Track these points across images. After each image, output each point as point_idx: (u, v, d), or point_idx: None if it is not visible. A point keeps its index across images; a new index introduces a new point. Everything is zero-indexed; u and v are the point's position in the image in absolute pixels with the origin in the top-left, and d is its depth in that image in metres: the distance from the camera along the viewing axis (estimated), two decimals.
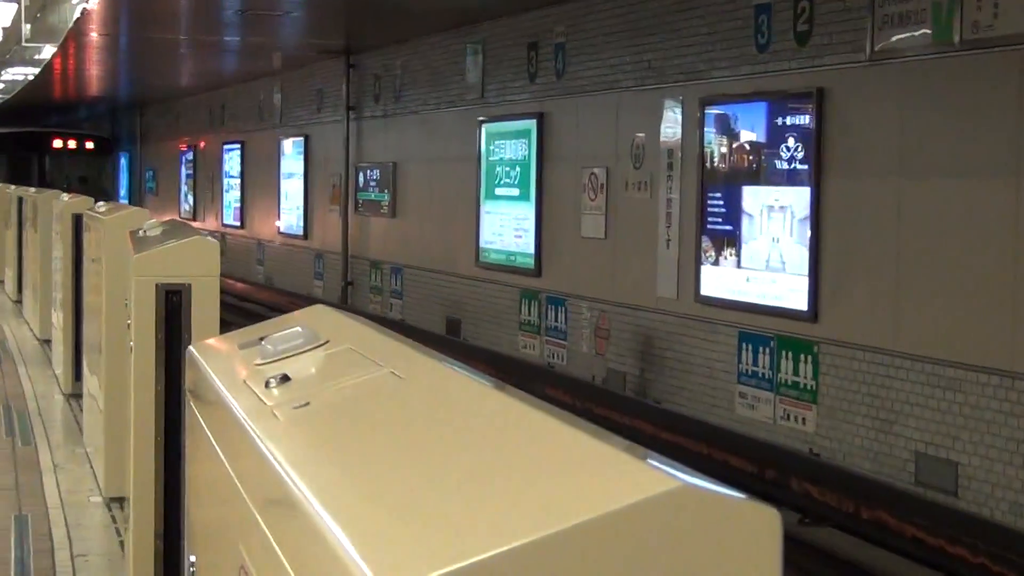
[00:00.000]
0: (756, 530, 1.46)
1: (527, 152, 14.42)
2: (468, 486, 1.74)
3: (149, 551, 4.55)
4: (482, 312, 15.59)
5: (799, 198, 10.07)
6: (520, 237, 14.56)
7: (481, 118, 15.52)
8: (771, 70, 10.41)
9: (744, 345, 10.70)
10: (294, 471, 1.95)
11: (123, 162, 43.01)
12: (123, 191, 42.34)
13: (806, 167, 9.96)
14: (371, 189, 19.15)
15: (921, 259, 8.93)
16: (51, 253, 13.41)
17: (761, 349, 10.49)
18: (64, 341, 11.49)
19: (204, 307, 4.58)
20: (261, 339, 3.04)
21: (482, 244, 15.44)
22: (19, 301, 17.71)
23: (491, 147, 15.33)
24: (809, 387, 9.98)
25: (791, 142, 10.14)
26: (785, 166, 10.21)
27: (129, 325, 5.21)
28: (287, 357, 2.76)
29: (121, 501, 7.56)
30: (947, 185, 8.74)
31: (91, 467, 8.43)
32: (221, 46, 21.35)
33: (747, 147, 10.70)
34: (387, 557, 1.54)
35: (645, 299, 12.10)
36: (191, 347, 3.36)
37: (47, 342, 13.71)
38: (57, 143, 39.49)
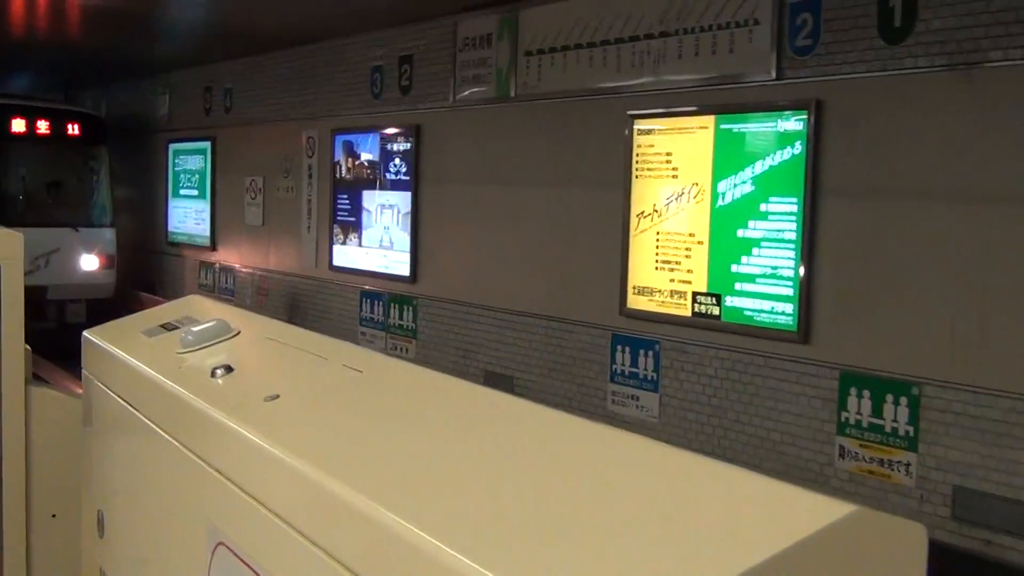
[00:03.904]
0: (910, 544, 1.20)
1: (204, 164, 13.74)
2: (619, 519, 1.24)
3: None
4: (173, 276, 14.84)
5: (403, 199, 9.92)
6: (199, 224, 13.90)
7: (169, 140, 14.69)
8: (383, 111, 10.19)
9: (364, 300, 10.49)
10: (318, 471, 1.45)
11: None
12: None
13: (408, 178, 9.83)
14: None
15: (492, 240, 8.94)
16: None
17: (377, 302, 10.32)
18: None
19: (12, 284, 3.95)
20: (163, 327, 2.42)
21: (171, 228, 14.67)
22: None
23: (176, 160, 14.52)
24: (410, 327, 9.87)
25: (397, 161, 9.98)
26: (393, 177, 10.05)
27: None
28: (210, 345, 2.20)
29: None
30: (505, 190, 8.77)
31: None
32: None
33: (366, 164, 10.47)
34: None
35: (293, 268, 11.74)
36: (87, 332, 2.70)
37: None
38: (18, 124, 13.21)
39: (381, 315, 10.27)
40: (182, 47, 12.77)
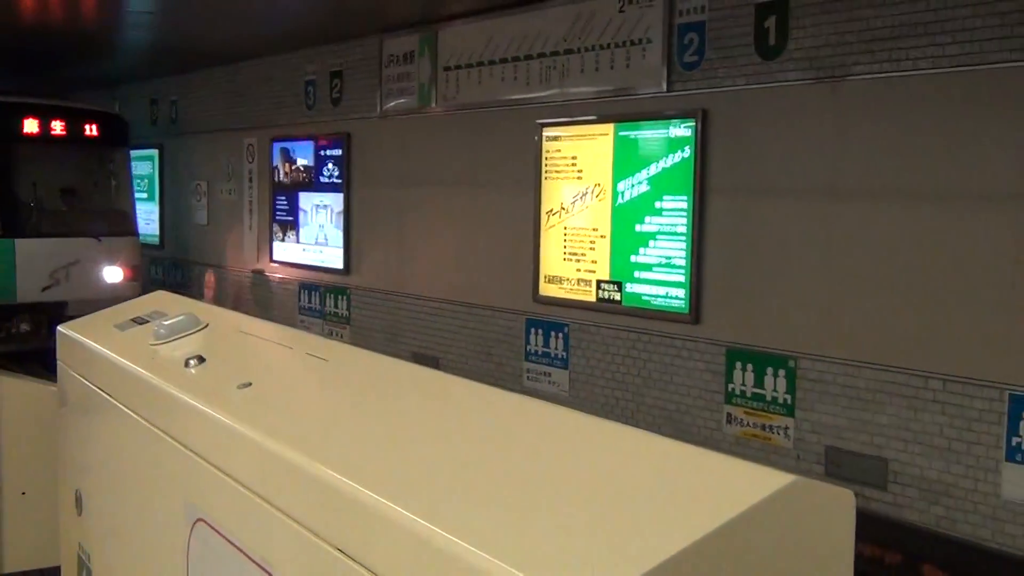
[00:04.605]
0: (840, 508, 1.14)
1: (152, 170, 13.44)
2: (579, 492, 1.14)
3: None
4: None
5: (336, 200, 9.83)
6: (149, 224, 13.57)
7: None
8: (316, 120, 10.09)
9: (303, 291, 10.39)
10: (307, 457, 1.34)
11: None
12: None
13: (340, 181, 9.74)
14: None
15: (417, 235, 8.91)
16: None
17: (314, 293, 10.23)
18: None
19: None
20: (134, 320, 2.26)
21: None
22: None
23: None
24: (345, 315, 9.81)
25: (331, 165, 9.89)
26: (327, 180, 9.95)
27: None
28: (181, 337, 2.05)
29: None
30: (428, 190, 8.75)
31: None
32: None
33: (302, 168, 10.34)
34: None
35: (238, 263, 11.56)
36: (61, 327, 2.50)
37: None
38: (31, 125, 10.43)
39: (318, 304, 10.18)
40: (129, 63, 12.48)
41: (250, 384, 1.72)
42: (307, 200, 10.26)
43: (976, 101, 5.07)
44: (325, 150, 9.97)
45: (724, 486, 1.15)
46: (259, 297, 11.11)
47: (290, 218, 10.51)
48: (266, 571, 1.35)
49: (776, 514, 1.08)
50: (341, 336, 9.82)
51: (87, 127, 10.87)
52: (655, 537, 1.04)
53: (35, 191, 10.56)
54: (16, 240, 9.92)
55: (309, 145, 10.20)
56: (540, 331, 7.60)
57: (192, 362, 1.91)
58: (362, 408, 1.60)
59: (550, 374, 7.53)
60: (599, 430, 1.35)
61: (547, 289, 7.46)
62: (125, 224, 11.07)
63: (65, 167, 10.94)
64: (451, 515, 1.14)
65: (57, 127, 10.64)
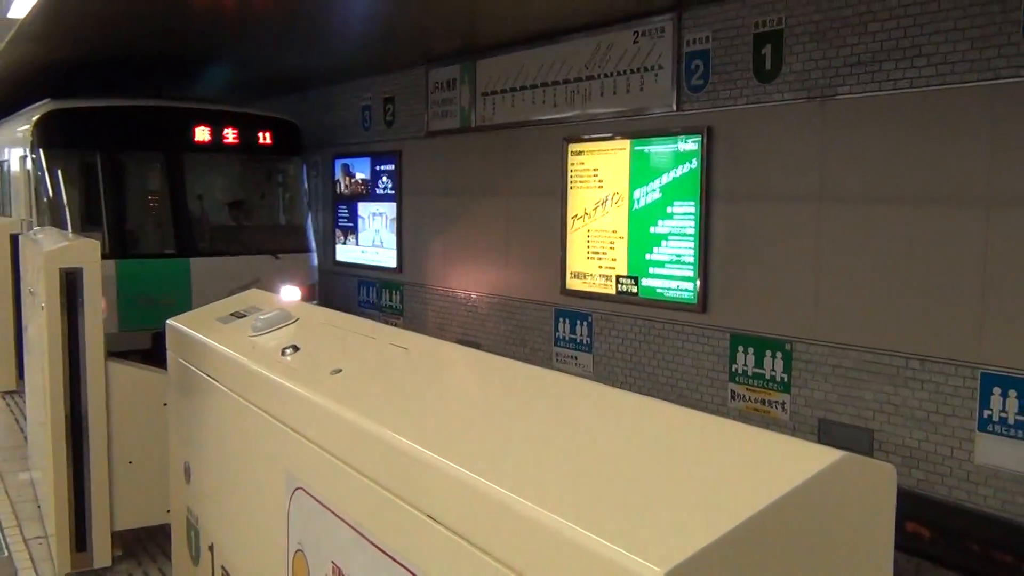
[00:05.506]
0: (883, 481, 1.08)
1: None
2: (659, 469, 1.09)
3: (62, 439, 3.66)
4: None
5: (390, 208, 9.87)
6: None
7: None
8: (372, 139, 10.13)
9: (361, 287, 10.44)
10: (412, 440, 1.28)
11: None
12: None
13: (394, 191, 9.78)
14: None
15: (459, 238, 8.92)
16: None
17: (371, 289, 10.28)
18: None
19: (92, 282, 3.77)
20: (233, 315, 2.21)
21: None
22: None
23: None
24: (398, 307, 9.85)
25: (385, 178, 9.93)
26: (382, 191, 9.99)
27: (31, 292, 4.24)
28: (276, 329, 1.99)
29: None
30: (468, 199, 8.76)
31: None
32: None
33: (360, 181, 10.40)
34: (635, 541, 0.94)
35: None
36: (170, 320, 2.46)
37: None
38: (202, 133, 8.18)
39: (375, 298, 10.23)
40: (207, 91, 12.57)
41: (341, 370, 1.69)
42: (365, 209, 10.31)
43: (949, 116, 5.02)
44: (380, 165, 10.01)
45: (783, 461, 1.11)
46: (323, 294, 11.17)
47: (350, 224, 10.57)
48: (360, 533, 1.35)
49: (828, 486, 1.05)
50: (396, 325, 9.86)
51: (261, 135, 8.77)
52: (724, 508, 1.02)
53: (208, 206, 8.72)
54: (191, 259, 8.11)
55: (366, 161, 10.25)
56: (567, 320, 7.59)
57: (288, 351, 1.87)
58: (442, 390, 1.58)
59: (576, 357, 7.52)
60: (662, 411, 1.31)
61: (573, 283, 7.46)
62: (301, 240, 9.05)
63: (238, 179, 9.03)
64: (529, 483, 1.13)
65: (230, 135, 8.57)
